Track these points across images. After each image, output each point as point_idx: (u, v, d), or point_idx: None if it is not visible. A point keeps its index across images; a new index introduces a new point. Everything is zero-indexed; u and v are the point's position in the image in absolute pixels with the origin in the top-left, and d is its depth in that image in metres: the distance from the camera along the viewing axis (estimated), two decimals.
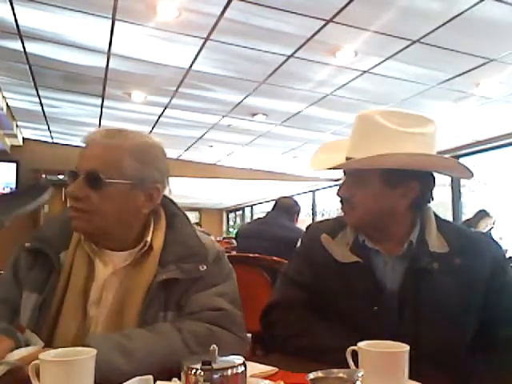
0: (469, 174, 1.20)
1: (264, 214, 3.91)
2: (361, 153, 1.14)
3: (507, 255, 4.94)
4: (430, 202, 1.26)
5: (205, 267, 1.13)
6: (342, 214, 1.26)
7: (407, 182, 1.17)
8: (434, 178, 1.23)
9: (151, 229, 1.18)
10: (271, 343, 1.25)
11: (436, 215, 1.28)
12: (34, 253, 1.15)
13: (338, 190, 1.24)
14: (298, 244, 1.38)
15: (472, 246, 1.19)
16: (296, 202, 3.79)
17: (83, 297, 1.12)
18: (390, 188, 1.16)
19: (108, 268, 1.15)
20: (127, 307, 1.10)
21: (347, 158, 1.19)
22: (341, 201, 1.25)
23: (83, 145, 1.13)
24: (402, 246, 1.20)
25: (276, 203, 3.73)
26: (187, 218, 1.26)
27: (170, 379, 0.90)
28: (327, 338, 1.12)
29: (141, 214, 1.17)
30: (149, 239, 1.15)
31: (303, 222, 5.37)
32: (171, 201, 1.27)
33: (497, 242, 1.31)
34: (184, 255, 1.14)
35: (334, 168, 1.20)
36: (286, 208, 3.67)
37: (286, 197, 3.92)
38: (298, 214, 3.78)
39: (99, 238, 1.16)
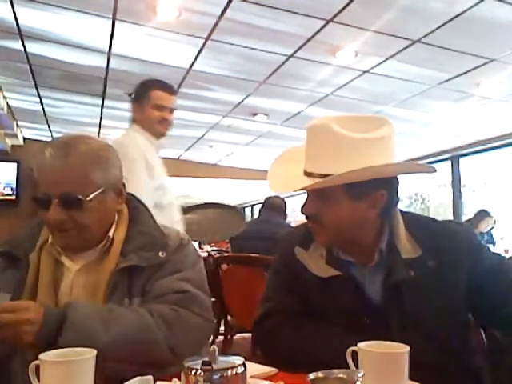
0: (431, 169, 1.16)
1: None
2: (322, 166, 1.09)
3: (507, 255, 4.94)
4: (398, 203, 1.20)
5: (164, 254, 1.17)
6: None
7: (374, 191, 1.11)
8: (398, 179, 1.17)
9: (114, 224, 1.22)
10: (268, 352, 1.19)
11: (402, 213, 1.22)
12: (6, 256, 1.20)
13: (302, 206, 1.17)
14: (274, 260, 1.33)
15: (444, 243, 1.15)
16: (283, 200, 3.79)
17: (54, 294, 1.15)
18: (357, 201, 1.11)
19: (76, 265, 1.19)
20: (95, 298, 1.14)
21: (306, 173, 1.13)
22: (307, 217, 1.18)
23: (40, 167, 1.12)
24: (374, 256, 1.16)
25: (265, 203, 3.73)
26: (148, 211, 1.30)
27: (170, 379, 0.90)
28: (327, 347, 1.07)
29: (114, 212, 1.23)
30: (111, 234, 1.19)
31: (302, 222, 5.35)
32: (131, 194, 1.30)
33: (466, 227, 1.27)
34: (144, 244, 1.18)
35: (303, 189, 1.12)
36: (276, 207, 3.69)
37: (272, 196, 3.90)
38: (286, 211, 3.81)
39: (83, 248, 1.19)
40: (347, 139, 1.07)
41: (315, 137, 1.13)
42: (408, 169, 1.23)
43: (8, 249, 1.20)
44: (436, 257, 1.13)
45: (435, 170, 1.15)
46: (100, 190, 1.13)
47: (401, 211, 1.22)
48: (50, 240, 1.20)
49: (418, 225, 1.20)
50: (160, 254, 1.16)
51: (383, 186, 1.12)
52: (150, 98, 2.36)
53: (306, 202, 1.17)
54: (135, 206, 1.28)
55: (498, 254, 1.27)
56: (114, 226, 1.21)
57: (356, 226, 1.15)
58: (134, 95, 2.46)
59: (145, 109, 2.35)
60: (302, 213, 1.18)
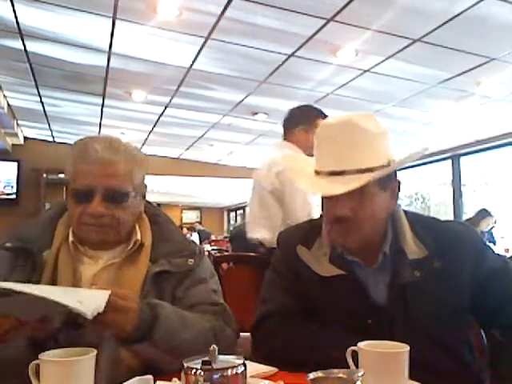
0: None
1: None
2: (357, 162, 1.07)
3: (508, 254, 4.94)
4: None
5: (192, 261, 1.20)
6: (331, 237, 1.15)
7: (395, 179, 1.16)
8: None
9: (137, 227, 1.23)
10: (267, 355, 1.15)
11: (405, 213, 1.21)
12: (14, 252, 1.15)
13: (332, 209, 1.10)
14: (275, 258, 1.31)
15: (449, 244, 1.15)
16: None
17: None
18: (384, 191, 1.12)
19: (96, 264, 1.18)
20: None
21: (335, 172, 1.08)
22: (337, 220, 1.11)
23: (84, 159, 1.13)
24: (377, 257, 1.15)
25: None
26: (168, 218, 1.33)
27: (170, 378, 0.90)
28: (329, 347, 1.06)
29: (138, 213, 1.24)
30: (139, 237, 1.20)
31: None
32: (148, 201, 1.32)
33: (470, 227, 1.27)
34: (173, 250, 1.20)
35: (362, 186, 1.06)
36: None
37: None
38: None
39: (111, 245, 1.19)
40: (372, 133, 1.10)
41: (340, 134, 1.10)
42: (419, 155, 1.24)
43: (20, 245, 1.15)
44: (441, 257, 1.13)
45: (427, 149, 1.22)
46: (136, 191, 1.18)
47: (404, 211, 1.22)
48: (70, 238, 1.17)
49: (423, 225, 1.19)
50: (189, 261, 1.19)
51: (396, 176, 1.16)
52: (317, 125, 2.60)
53: (332, 204, 1.11)
54: (156, 213, 1.29)
55: (502, 256, 1.26)
56: (137, 229, 1.22)
57: (385, 219, 1.16)
58: (295, 120, 2.64)
59: (309, 134, 2.53)
60: (334, 216, 1.11)
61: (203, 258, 1.26)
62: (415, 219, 1.21)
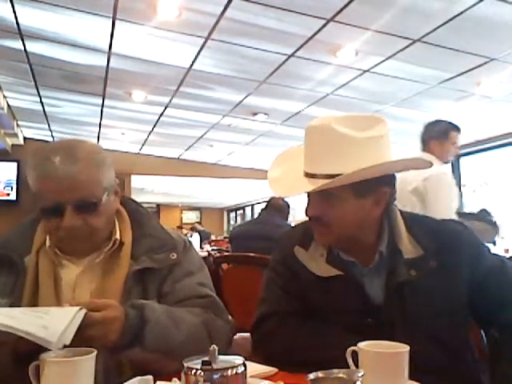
0: (428, 164, 1.18)
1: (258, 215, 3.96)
2: (327, 167, 1.08)
3: (508, 255, 4.93)
4: (394, 201, 1.20)
5: (175, 255, 1.18)
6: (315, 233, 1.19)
7: (378, 188, 1.12)
8: (395, 177, 1.18)
9: (117, 226, 1.21)
10: (267, 355, 1.16)
11: (401, 212, 1.21)
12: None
13: (306, 209, 1.16)
14: (272, 259, 1.32)
15: (445, 244, 1.15)
16: (286, 202, 3.83)
17: (55, 297, 1.13)
18: (362, 198, 1.11)
19: (77, 267, 1.17)
20: None
21: (308, 174, 1.12)
22: (310, 219, 1.17)
23: (44, 177, 1.08)
24: (374, 256, 1.16)
25: (268, 203, 3.77)
26: (149, 213, 1.31)
27: (170, 379, 0.90)
28: (329, 347, 1.06)
29: (114, 212, 1.22)
30: (118, 236, 1.19)
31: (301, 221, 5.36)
32: (128, 198, 1.31)
33: (468, 228, 1.26)
34: (154, 246, 1.19)
35: (313, 191, 1.09)
36: (278, 207, 3.71)
37: (275, 197, 3.93)
38: (289, 213, 3.84)
39: (90, 251, 1.17)
40: (350, 138, 1.08)
41: (316, 138, 1.12)
42: (413, 165, 1.25)
43: (2, 252, 1.15)
44: (437, 257, 1.13)
45: (432, 165, 1.17)
46: (107, 192, 1.14)
47: (400, 211, 1.22)
48: (47, 243, 1.16)
49: (419, 224, 1.20)
50: (171, 255, 1.17)
51: (386, 183, 1.13)
52: (451, 138, 2.97)
53: (308, 204, 1.16)
54: (135, 209, 1.27)
55: (499, 256, 1.26)
56: (117, 228, 1.21)
57: (361, 225, 1.15)
58: (430, 135, 2.97)
59: (444, 145, 2.94)
60: (307, 215, 1.17)
61: (189, 250, 1.24)
62: (411, 219, 1.21)
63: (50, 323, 0.83)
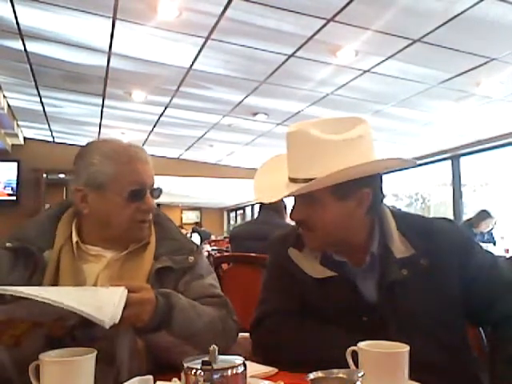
0: (411, 163, 1.20)
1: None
2: (304, 171, 1.10)
3: (508, 255, 4.93)
4: (383, 200, 1.21)
5: (192, 258, 1.24)
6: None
7: (358, 190, 1.13)
8: (381, 177, 1.18)
9: None
10: (267, 355, 1.16)
11: (392, 212, 1.22)
12: (14, 253, 1.15)
13: (291, 213, 1.19)
14: (268, 261, 1.34)
15: (436, 242, 1.16)
16: (283, 202, 3.81)
17: None
18: (343, 201, 1.12)
19: (100, 263, 1.19)
20: None
21: (291, 179, 1.14)
22: (296, 223, 1.20)
23: (134, 160, 1.21)
24: (365, 257, 1.17)
25: (262, 203, 3.74)
26: (168, 217, 1.38)
27: (170, 379, 0.90)
28: (328, 346, 1.07)
29: None
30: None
31: None
32: None
33: (458, 225, 1.27)
34: (174, 248, 1.25)
35: (289, 195, 1.13)
36: (274, 206, 3.70)
37: None
38: (285, 210, 3.83)
39: (127, 243, 1.24)
40: (325, 142, 1.09)
41: (295, 143, 1.14)
42: (387, 165, 1.19)
43: (20, 245, 1.14)
44: (428, 255, 1.14)
45: (415, 163, 1.18)
46: None
47: (390, 210, 1.23)
48: (74, 238, 1.19)
49: (409, 224, 1.20)
50: (189, 258, 1.24)
51: (367, 184, 1.13)
52: None
53: (293, 209, 1.18)
54: (156, 212, 1.31)
55: (490, 252, 1.26)
56: None
57: (345, 227, 1.16)
58: None
59: None
60: (291, 219, 1.20)
61: (201, 255, 1.30)
62: (401, 218, 1.22)
63: (102, 303, 0.87)
